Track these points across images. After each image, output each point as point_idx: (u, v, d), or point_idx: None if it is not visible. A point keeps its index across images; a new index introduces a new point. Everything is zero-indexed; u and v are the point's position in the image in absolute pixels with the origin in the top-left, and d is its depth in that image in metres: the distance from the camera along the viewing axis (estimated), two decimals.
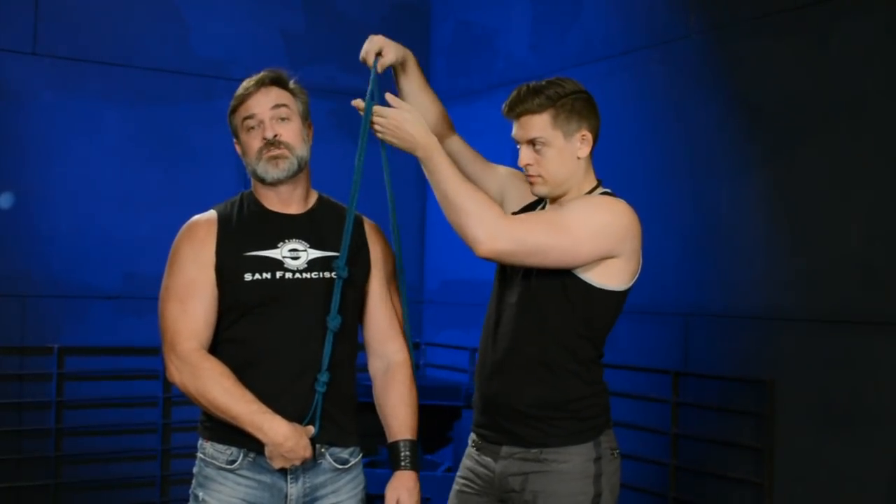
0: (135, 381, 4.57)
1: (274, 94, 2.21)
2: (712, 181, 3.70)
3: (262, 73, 2.24)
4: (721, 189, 3.66)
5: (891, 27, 3.12)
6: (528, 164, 2.30)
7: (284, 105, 2.21)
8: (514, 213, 2.40)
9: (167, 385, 4.59)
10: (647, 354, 3.94)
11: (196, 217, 2.25)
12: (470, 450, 2.41)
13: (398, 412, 2.24)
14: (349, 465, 2.23)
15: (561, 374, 2.26)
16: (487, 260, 2.19)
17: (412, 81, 2.44)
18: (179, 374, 2.12)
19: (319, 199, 2.32)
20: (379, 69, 2.29)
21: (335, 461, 2.20)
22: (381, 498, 2.52)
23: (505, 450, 2.28)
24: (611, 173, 4.22)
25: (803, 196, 3.36)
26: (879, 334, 3.10)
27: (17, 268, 4.33)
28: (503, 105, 2.34)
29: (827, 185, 3.28)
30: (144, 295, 4.48)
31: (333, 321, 2.15)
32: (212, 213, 2.24)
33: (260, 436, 2.07)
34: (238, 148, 2.26)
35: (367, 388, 2.37)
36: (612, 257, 2.24)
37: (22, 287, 4.33)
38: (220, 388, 2.08)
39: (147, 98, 4.63)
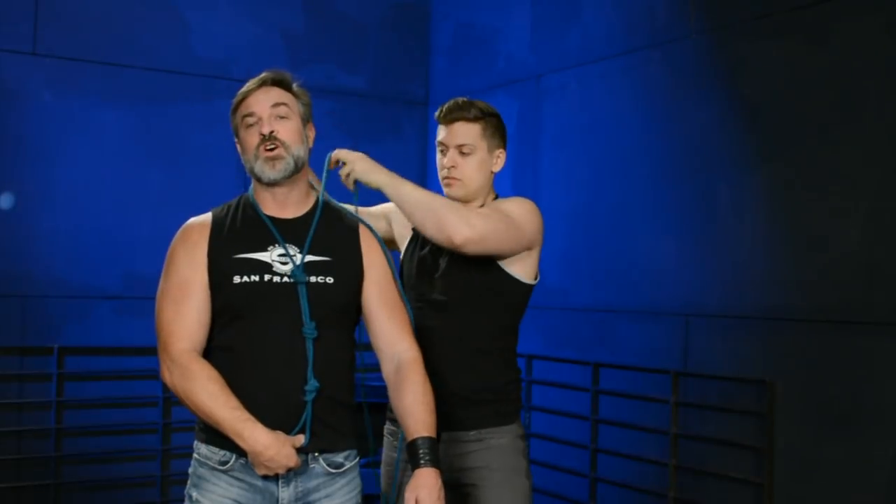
0: (135, 381, 4.57)
1: (275, 94, 2.22)
2: (712, 181, 3.70)
3: (264, 74, 2.25)
4: (721, 189, 3.66)
5: (891, 27, 3.12)
6: (453, 167, 2.54)
7: (284, 104, 2.22)
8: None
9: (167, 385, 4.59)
10: (647, 354, 3.94)
11: (191, 220, 2.26)
12: (395, 443, 2.53)
13: (414, 410, 2.18)
14: (343, 468, 2.20)
15: (494, 360, 2.51)
16: (462, 249, 2.37)
17: None
18: (170, 374, 2.14)
19: (317, 201, 2.31)
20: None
21: (328, 465, 2.18)
22: (378, 498, 2.53)
23: (444, 435, 2.44)
24: (611, 173, 4.24)
25: (803, 196, 3.36)
26: (879, 334, 3.10)
27: (17, 268, 4.32)
28: (437, 111, 2.57)
29: (827, 184, 3.28)
30: (144, 295, 4.47)
31: (307, 328, 2.15)
32: (206, 216, 2.25)
33: (240, 442, 2.07)
34: (238, 147, 2.27)
35: (366, 389, 2.37)
36: (531, 249, 2.51)
37: (22, 287, 4.33)
38: (206, 393, 2.09)
39: (147, 98, 4.63)
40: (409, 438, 2.17)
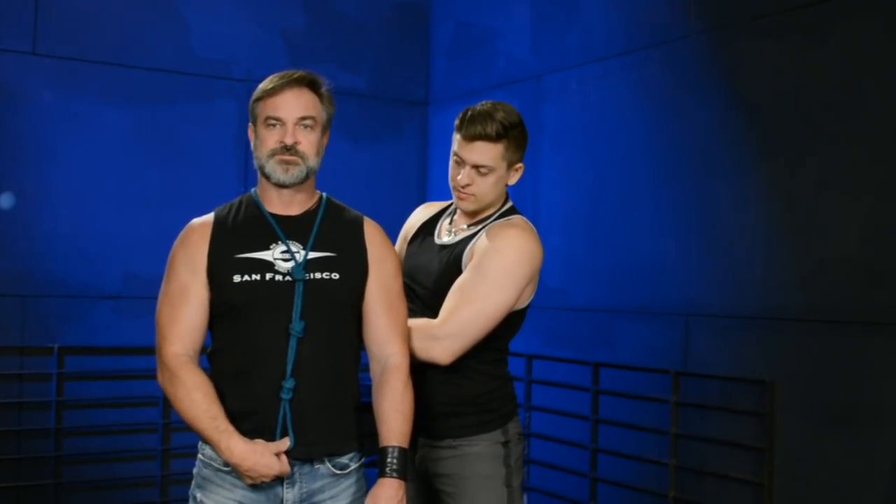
0: (134, 380, 4.57)
1: (304, 101, 2.21)
2: (712, 181, 3.70)
3: (299, 73, 2.22)
4: (721, 189, 3.66)
5: (891, 27, 3.12)
6: (468, 185, 2.45)
7: (311, 117, 2.21)
8: (413, 236, 2.65)
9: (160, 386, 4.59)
10: (647, 354, 3.94)
11: (193, 221, 2.24)
12: None
13: (388, 418, 2.19)
14: (348, 469, 2.20)
15: (467, 374, 2.44)
16: (451, 361, 2.36)
17: None
18: (162, 377, 2.15)
19: (321, 199, 2.30)
20: None
21: (333, 466, 2.18)
22: None
23: (421, 440, 2.48)
24: (611, 173, 4.24)
25: (803, 196, 3.36)
26: (879, 334, 3.10)
27: (17, 268, 4.32)
28: (458, 119, 2.46)
29: (827, 184, 3.28)
30: (144, 295, 4.48)
31: (295, 326, 2.13)
32: (209, 216, 2.23)
33: (219, 453, 2.09)
34: (252, 136, 2.25)
35: (367, 388, 2.37)
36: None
37: (22, 287, 4.33)
38: (189, 400, 2.10)
39: (147, 98, 4.63)
40: (380, 445, 2.19)
